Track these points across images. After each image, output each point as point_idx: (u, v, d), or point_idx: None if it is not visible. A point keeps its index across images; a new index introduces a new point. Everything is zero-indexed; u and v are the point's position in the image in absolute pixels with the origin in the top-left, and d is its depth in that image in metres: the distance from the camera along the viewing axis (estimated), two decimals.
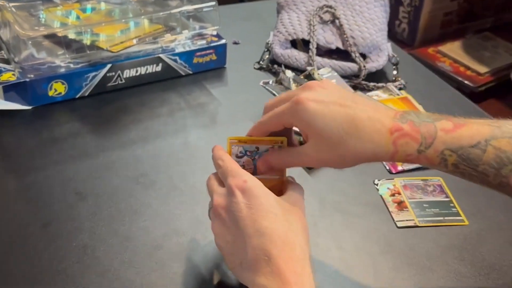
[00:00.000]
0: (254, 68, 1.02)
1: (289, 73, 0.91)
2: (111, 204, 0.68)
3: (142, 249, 0.62)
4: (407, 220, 0.68)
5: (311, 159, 0.53)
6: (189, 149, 0.79)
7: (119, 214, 0.67)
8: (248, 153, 0.56)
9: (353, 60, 0.97)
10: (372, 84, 0.96)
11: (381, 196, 0.72)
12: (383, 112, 0.51)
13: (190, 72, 0.98)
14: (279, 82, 0.90)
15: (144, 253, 0.61)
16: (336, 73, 0.94)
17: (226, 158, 0.53)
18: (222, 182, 0.53)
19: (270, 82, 0.89)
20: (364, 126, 0.50)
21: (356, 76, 0.97)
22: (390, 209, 0.70)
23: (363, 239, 0.65)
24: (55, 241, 0.62)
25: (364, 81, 0.96)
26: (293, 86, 0.88)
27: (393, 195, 0.72)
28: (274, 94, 0.85)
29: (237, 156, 0.55)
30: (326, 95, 0.51)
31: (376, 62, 0.97)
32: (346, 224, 0.67)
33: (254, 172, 0.55)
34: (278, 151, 0.56)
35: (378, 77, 0.97)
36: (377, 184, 0.74)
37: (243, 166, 0.54)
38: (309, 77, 0.91)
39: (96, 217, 0.66)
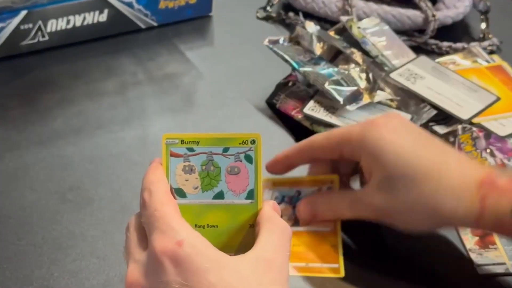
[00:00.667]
0: (257, 17, 1.02)
1: (311, 27, 0.90)
2: (21, 234, 0.68)
3: None
4: (494, 265, 0.68)
5: (374, 207, 0.60)
6: (148, 148, 0.79)
7: (34, 250, 0.67)
8: (286, 200, 0.60)
9: (415, 6, 0.97)
10: (446, 44, 0.96)
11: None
12: (476, 163, 0.60)
13: (155, 24, 0.98)
14: (294, 40, 0.89)
15: None
16: (387, 27, 0.94)
17: (158, 189, 0.50)
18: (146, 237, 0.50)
19: (281, 41, 0.89)
20: (449, 172, 0.57)
21: (421, 31, 0.96)
22: (468, 246, 0.69)
23: (417, 269, 0.65)
24: None
25: (433, 39, 0.96)
26: (317, 46, 0.87)
27: None
28: (286, 60, 0.85)
29: None
30: (410, 128, 0.61)
31: (453, 9, 0.97)
32: (393, 266, 0.67)
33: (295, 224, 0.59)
34: (326, 194, 0.64)
35: (456, 33, 0.98)
36: None
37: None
38: (344, 32, 0.91)
39: None
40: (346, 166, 0.67)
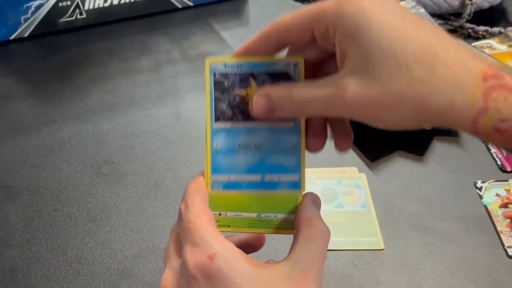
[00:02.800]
0: None
1: None
2: (57, 206, 0.70)
3: (101, 277, 0.64)
4: None
5: (348, 95, 0.46)
6: (181, 125, 0.81)
7: (69, 221, 0.69)
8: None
9: None
10: (482, 28, 0.95)
11: (485, 206, 0.72)
12: (477, 55, 0.45)
13: (191, 4, 0.99)
14: None
15: (104, 282, 0.63)
16: (423, 10, 0.94)
17: (195, 201, 0.49)
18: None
19: None
20: (445, 57, 0.44)
21: (457, 15, 0.96)
22: (499, 228, 0.70)
23: (453, 274, 0.66)
24: None
25: (469, 23, 0.96)
26: None
27: (505, 205, 0.72)
28: None
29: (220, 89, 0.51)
30: (395, 4, 0.46)
31: None
32: (428, 250, 0.67)
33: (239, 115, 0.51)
34: (288, 84, 0.50)
35: (493, 17, 0.98)
36: (480, 188, 0.74)
37: (232, 109, 0.50)
38: None
39: (33, 225, 0.68)
40: (318, 53, 0.53)
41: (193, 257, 0.46)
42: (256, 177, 0.51)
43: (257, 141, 0.51)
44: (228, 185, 0.51)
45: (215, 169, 0.51)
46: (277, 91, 0.49)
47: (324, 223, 0.49)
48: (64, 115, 0.81)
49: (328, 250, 0.62)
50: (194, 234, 0.47)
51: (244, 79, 0.50)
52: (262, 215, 0.51)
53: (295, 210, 0.50)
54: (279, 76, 0.50)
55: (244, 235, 0.54)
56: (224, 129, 0.50)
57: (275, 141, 0.51)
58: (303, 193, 0.50)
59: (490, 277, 0.65)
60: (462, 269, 0.66)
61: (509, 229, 0.70)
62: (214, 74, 0.50)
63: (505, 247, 0.68)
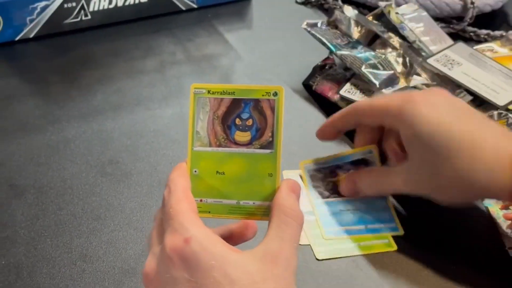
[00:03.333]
0: (296, 2, 1.03)
1: (349, 11, 0.91)
2: (62, 204, 0.71)
3: (106, 275, 0.64)
4: None
5: (410, 182, 0.63)
6: (185, 125, 0.78)
7: (73, 220, 0.69)
8: (324, 171, 0.65)
9: None
10: (484, 32, 0.96)
11: (486, 208, 0.72)
12: (508, 135, 0.60)
13: (195, 6, 0.99)
14: (332, 24, 0.90)
15: (109, 281, 0.63)
16: (425, 13, 0.94)
17: (177, 187, 0.51)
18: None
19: (319, 25, 0.89)
20: (483, 146, 0.58)
21: (459, 18, 0.97)
22: (501, 230, 0.70)
23: (454, 275, 0.65)
24: None
25: (471, 27, 0.96)
26: (354, 31, 0.88)
27: (506, 207, 0.72)
28: (324, 43, 0.85)
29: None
30: (449, 104, 0.62)
31: None
32: (429, 251, 0.68)
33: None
34: (369, 170, 0.68)
35: (495, 21, 0.98)
36: None
37: (214, 134, 0.54)
38: (382, 17, 0.92)
39: (38, 223, 0.68)
40: (390, 138, 0.67)
41: (170, 240, 0.48)
42: (232, 202, 0.54)
43: (235, 166, 0.54)
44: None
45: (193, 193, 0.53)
46: (361, 179, 0.68)
47: (298, 209, 0.51)
48: (69, 114, 0.81)
49: (350, 238, 0.66)
50: (174, 219, 0.49)
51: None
52: (241, 202, 0.53)
53: (272, 197, 0.52)
54: (360, 163, 0.69)
55: (234, 224, 0.56)
56: (203, 152, 0.54)
57: (252, 166, 0.54)
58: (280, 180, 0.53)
59: (492, 278, 0.66)
60: (464, 271, 0.66)
61: (510, 231, 0.70)
62: (198, 99, 0.54)
63: (506, 248, 0.68)
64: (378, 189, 0.67)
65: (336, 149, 0.77)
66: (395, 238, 0.67)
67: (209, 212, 0.54)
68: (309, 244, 0.66)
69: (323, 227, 0.67)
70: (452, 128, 0.59)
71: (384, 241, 0.67)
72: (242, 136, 0.53)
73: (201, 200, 0.54)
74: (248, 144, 0.53)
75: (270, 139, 0.53)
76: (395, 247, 0.66)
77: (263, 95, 0.53)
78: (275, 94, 0.53)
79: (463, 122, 0.59)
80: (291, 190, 0.53)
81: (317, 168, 0.68)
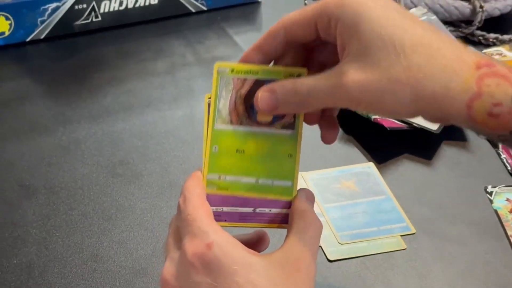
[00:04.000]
0: (305, 4, 1.03)
1: None
2: (73, 205, 0.71)
3: (117, 275, 0.64)
4: None
5: (350, 83, 0.47)
6: (195, 126, 0.81)
7: (84, 220, 0.69)
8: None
9: None
10: (493, 36, 0.96)
11: (495, 211, 0.72)
12: (470, 49, 0.48)
13: (205, 9, 1.00)
14: None
15: (120, 280, 0.63)
16: (434, 17, 0.94)
17: (193, 195, 0.51)
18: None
19: None
20: (440, 48, 0.47)
21: (468, 22, 0.97)
22: (510, 233, 0.70)
23: (463, 278, 0.66)
24: None
25: (480, 30, 0.96)
26: None
27: None
28: None
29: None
30: (394, 4, 0.49)
31: (501, 1, 0.97)
32: (439, 253, 0.67)
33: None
34: (292, 80, 0.51)
35: (503, 25, 0.98)
36: (490, 193, 0.74)
37: (236, 113, 0.52)
38: None
39: (49, 223, 0.68)
40: (321, 55, 0.55)
41: (191, 246, 0.48)
42: (250, 179, 0.53)
43: (255, 145, 0.53)
44: (222, 185, 0.53)
45: (211, 168, 0.53)
46: (282, 85, 0.50)
47: (317, 216, 0.51)
48: (80, 115, 0.82)
49: (363, 241, 0.65)
50: (193, 226, 0.49)
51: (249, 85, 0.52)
52: (260, 180, 0.53)
53: (290, 177, 0.53)
54: None
55: (247, 235, 0.55)
56: (224, 130, 0.53)
57: (272, 145, 0.53)
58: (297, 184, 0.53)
59: (501, 281, 0.66)
60: (473, 273, 0.66)
61: None
62: (221, 78, 0.52)
63: None
64: (302, 99, 0.51)
65: (343, 150, 0.77)
66: (404, 237, 0.68)
67: (225, 220, 0.53)
68: (320, 245, 0.66)
69: (336, 232, 0.66)
70: (405, 27, 0.47)
71: (393, 240, 0.67)
72: (264, 116, 0.52)
73: (219, 177, 0.53)
74: (270, 124, 0.52)
75: (292, 120, 0.52)
76: (404, 246, 0.67)
77: (286, 77, 0.52)
78: (299, 75, 0.52)
79: (416, 25, 0.48)
80: (308, 198, 0.53)
81: (232, 77, 0.52)
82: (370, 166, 0.73)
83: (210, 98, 0.53)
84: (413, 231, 0.68)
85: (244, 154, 0.53)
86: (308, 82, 0.50)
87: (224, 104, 0.52)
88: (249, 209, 0.53)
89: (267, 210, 0.53)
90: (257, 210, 0.53)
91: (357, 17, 0.48)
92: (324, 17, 0.49)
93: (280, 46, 0.53)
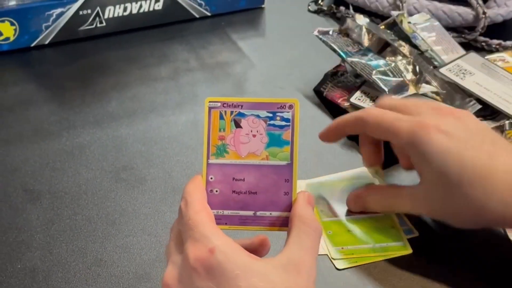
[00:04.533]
0: (309, 10, 1.03)
1: (361, 19, 0.91)
2: (76, 209, 0.71)
3: (120, 280, 0.64)
4: None
5: (422, 205, 0.63)
6: (199, 132, 0.79)
7: (88, 225, 0.69)
8: None
9: (467, 3, 0.97)
10: (495, 42, 0.96)
11: None
12: None
13: (208, 14, 1.00)
14: (344, 32, 0.90)
15: (123, 285, 0.63)
16: (437, 23, 0.94)
17: (194, 199, 0.52)
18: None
19: (331, 32, 0.90)
20: (497, 179, 0.57)
21: (471, 28, 0.97)
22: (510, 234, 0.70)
23: (468, 284, 0.65)
24: None
25: (482, 36, 0.96)
26: (365, 38, 0.88)
27: None
28: (334, 50, 0.86)
29: None
30: (461, 129, 0.60)
31: (504, 8, 0.97)
32: (444, 260, 0.67)
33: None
34: (377, 187, 0.68)
35: (506, 31, 0.98)
36: None
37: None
38: (394, 26, 0.92)
39: (53, 228, 0.68)
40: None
41: (194, 251, 0.49)
42: (248, 213, 0.54)
43: (251, 177, 0.54)
44: (222, 219, 0.54)
45: (209, 204, 0.54)
46: (369, 196, 0.67)
47: (316, 220, 0.52)
48: (84, 120, 0.82)
49: (357, 257, 0.65)
50: (194, 230, 0.50)
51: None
52: (258, 213, 0.54)
53: (288, 208, 0.53)
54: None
55: (248, 240, 0.55)
56: (218, 164, 0.54)
57: (268, 177, 0.54)
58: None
59: (508, 286, 0.65)
60: (477, 279, 0.66)
61: None
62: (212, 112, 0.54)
63: None
64: (387, 207, 0.67)
65: (345, 156, 0.77)
66: (411, 241, 0.67)
67: (226, 224, 0.54)
68: (327, 254, 0.66)
69: (331, 247, 0.66)
70: (463, 157, 0.58)
71: (399, 243, 0.67)
72: None
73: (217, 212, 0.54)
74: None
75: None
76: (410, 250, 0.66)
77: (278, 108, 0.54)
78: (290, 107, 0.54)
79: (475, 149, 0.59)
80: (307, 202, 0.53)
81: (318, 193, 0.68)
82: (366, 171, 0.73)
83: (210, 101, 0.54)
84: (416, 234, 0.68)
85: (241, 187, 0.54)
86: (391, 198, 0.66)
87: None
88: (249, 212, 0.54)
89: (267, 213, 0.54)
90: (258, 213, 0.54)
91: (425, 156, 0.59)
92: (396, 141, 0.64)
93: (356, 133, 0.69)
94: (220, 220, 0.53)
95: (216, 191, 0.54)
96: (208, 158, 0.54)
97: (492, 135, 0.62)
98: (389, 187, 0.68)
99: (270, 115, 0.54)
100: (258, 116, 0.54)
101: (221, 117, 0.54)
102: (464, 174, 0.57)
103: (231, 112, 0.54)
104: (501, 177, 0.57)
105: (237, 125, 0.54)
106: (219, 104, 0.54)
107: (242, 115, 0.54)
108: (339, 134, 0.69)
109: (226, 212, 0.54)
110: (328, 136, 0.69)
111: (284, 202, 0.54)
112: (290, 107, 0.54)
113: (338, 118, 0.67)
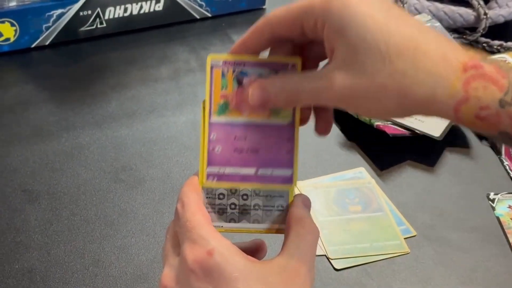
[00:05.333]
0: None
1: None
2: (75, 210, 0.71)
3: (118, 281, 0.64)
4: None
5: (336, 87, 0.48)
6: (198, 133, 0.78)
7: (86, 225, 0.69)
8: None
9: (468, 4, 0.97)
10: (497, 43, 0.96)
11: (498, 218, 0.72)
12: (457, 46, 0.47)
13: (209, 15, 1.00)
14: None
15: (121, 286, 0.63)
16: (438, 24, 0.94)
17: (190, 200, 0.51)
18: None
19: None
20: (426, 50, 0.46)
21: (472, 29, 0.97)
22: (511, 239, 0.70)
23: (465, 285, 0.65)
24: None
25: (484, 37, 0.96)
26: None
27: None
28: None
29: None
30: (384, 2, 0.48)
31: (505, 8, 0.97)
32: (441, 260, 0.67)
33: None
34: (282, 75, 0.52)
35: (508, 32, 0.97)
36: (493, 200, 0.74)
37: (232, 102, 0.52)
38: None
39: (52, 228, 0.68)
40: (312, 50, 0.55)
41: (191, 253, 0.48)
42: (250, 171, 0.52)
43: (253, 136, 0.52)
44: (223, 177, 0.52)
45: (210, 162, 0.52)
46: (272, 82, 0.51)
47: (314, 222, 0.51)
48: (84, 121, 0.82)
49: (354, 257, 0.63)
50: (192, 232, 0.49)
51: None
52: (259, 172, 0.53)
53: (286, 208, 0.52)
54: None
55: (244, 243, 0.54)
56: (221, 123, 0.52)
57: (270, 136, 0.52)
58: (295, 188, 0.53)
59: (505, 284, 0.65)
60: (474, 280, 0.66)
61: None
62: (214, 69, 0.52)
63: None
64: (292, 95, 0.52)
65: (343, 156, 0.77)
66: (409, 240, 0.67)
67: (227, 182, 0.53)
68: (325, 254, 0.66)
69: (327, 247, 0.66)
70: (390, 28, 0.47)
71: (396, 242, 0.67)
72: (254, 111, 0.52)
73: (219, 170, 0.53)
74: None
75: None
76: (407, 250, 0.66)
77: (280, 67, 0.52)
78: (293, 66, 0.52)
79: (401, 23, 0.48)
80: (304, 204, 0.53)
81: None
82: (362, 171, 0.73)
83: (212, 59, 0.52)
84: (414, 233, 0.68)
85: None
86: (297, 82, 0.50)
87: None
88: (251, 170, 0.53)
89: (269, 171, 0.53)
90: (259, 171, 0.53)
91: (343, 20, 0.47)
92: (310, 18, 0.49)
93: (266, 42, 0.52)
94: (220, 178, 0.52)
95: (218, 149, 0.53)
96: (210, 116, 0.52)
97: (418, 20, 0.51)
98: (296, 72, 0.53)
99: (273, 73, 0.52)
100: (260, 74, 0.53)
101: (223, 76, 0.52)
102: (391, 45, 0.47)
103: (234, 70, 0.53)
104: (433, 51, 0.46)
105: (240, 83, 0.53)
106: (221, 62, 0.52)
107: (244, 73, 0.53)
108: (247, 49, 0.53)
109: (227, 170, 0.53)
110: (239, 47, 0.53)
111: (286, 161, 0.52)
112: (293, 66, 0.52)
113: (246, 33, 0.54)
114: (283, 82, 0.51)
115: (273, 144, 0.52)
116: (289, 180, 0.52)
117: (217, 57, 0.51)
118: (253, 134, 0.52)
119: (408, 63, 0.46)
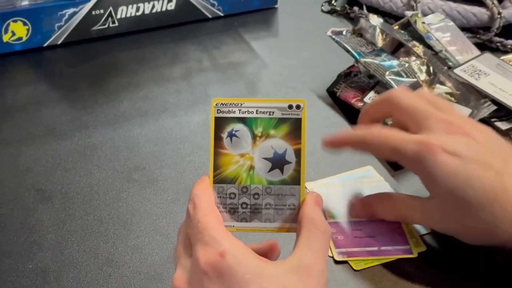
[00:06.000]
0: (322, 10, 1.03)
1: (375, 20, 0.91)
2: (88, 209, 0.71)
3: (132, 280, 0.64)
4: None
5: (432, 220, 0.62)
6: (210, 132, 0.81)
7: (100, 225, 0.69)
8: None
9: (481, 3, 0.96)
10: (511, 42, 0.95)
11: None
12: None
13: (221, 14, 1.00)
14: (357, 32, 0.90)
15: (135, 286, 0.63)
16: (452, 23, 0.93)
17: (202, 201, 0.52)
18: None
19: (344, 33, 0.89)
20: (508, 200, 0.56)
21: (486, 28, 0.96)
22: None
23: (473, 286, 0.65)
24: (1, 261, 0.65)
25: (497, 37, 0.96)
26: (379, 39, 0.88)
27: None
28: (348, 50, 0.85)
29: None
30: (470, 147, 0.58)
31: None
32: (457, 261, 0.67)
33: None
34: (387, 197, 0.65)
35: None
36: None
37: None
38: (408, 26, 0.91)
39: (65, 228, 0.68)
40: None
41: (204, 254, 0.48)
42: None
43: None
44: None
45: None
46: (378, 202, 0.65)
47: (326, 222, 0.52)
48: (97, 121, 0.82)
49: (362, 259, 0.65)
50: (204, 233, 0.49)
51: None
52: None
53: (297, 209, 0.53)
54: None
55: (257, 244, 0.55)
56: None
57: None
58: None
59: None
60: (490, 282, 0.65)
61: None
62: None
63: None
64: (397, 217, 0.65)
65: (359, 157, 0.77)
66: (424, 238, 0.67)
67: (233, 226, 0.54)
68: (332, 256, 0.65)
69: (334, 248, 0.66)
70: (472, 179, 0.57)
71: (412, 240, 0.66)
72: None
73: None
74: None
75: None
76: (423, 248, 0.66)
77: (285, 108, 0.54)
78: (298, 107, 0.53)
79: (484, 168, 0.57)
80: (316, 202, 0.53)
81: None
82: (370, 169, 0.73)
83: (216, 103, 0.54)
84: (415, 255, 0.67)
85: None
86: (401, 208, 0.64)
87: None
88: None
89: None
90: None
91: (432, 179, 0.59)
92: (403, 160, 0.62)
93: (361, 151, 0.67)
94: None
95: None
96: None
97: (504, 152, 0.60)
98: (400, 196, 0.65)
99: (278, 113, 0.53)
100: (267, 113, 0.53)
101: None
102: (473, 196, 0.56)
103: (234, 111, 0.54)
104: (510, 197, 0.56)
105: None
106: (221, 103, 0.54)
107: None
108: (341, 147, 0.66)
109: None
110: (332, 143, 0.66)
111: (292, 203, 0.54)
112: (298, 107, 0.53)
113: (345, 133, 0.66)
114: (390, 207, 0.65)
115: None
116: (297, 182, 0.53)
117: (221, 101, 0.54)
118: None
119: (489, 215, 0.56)
